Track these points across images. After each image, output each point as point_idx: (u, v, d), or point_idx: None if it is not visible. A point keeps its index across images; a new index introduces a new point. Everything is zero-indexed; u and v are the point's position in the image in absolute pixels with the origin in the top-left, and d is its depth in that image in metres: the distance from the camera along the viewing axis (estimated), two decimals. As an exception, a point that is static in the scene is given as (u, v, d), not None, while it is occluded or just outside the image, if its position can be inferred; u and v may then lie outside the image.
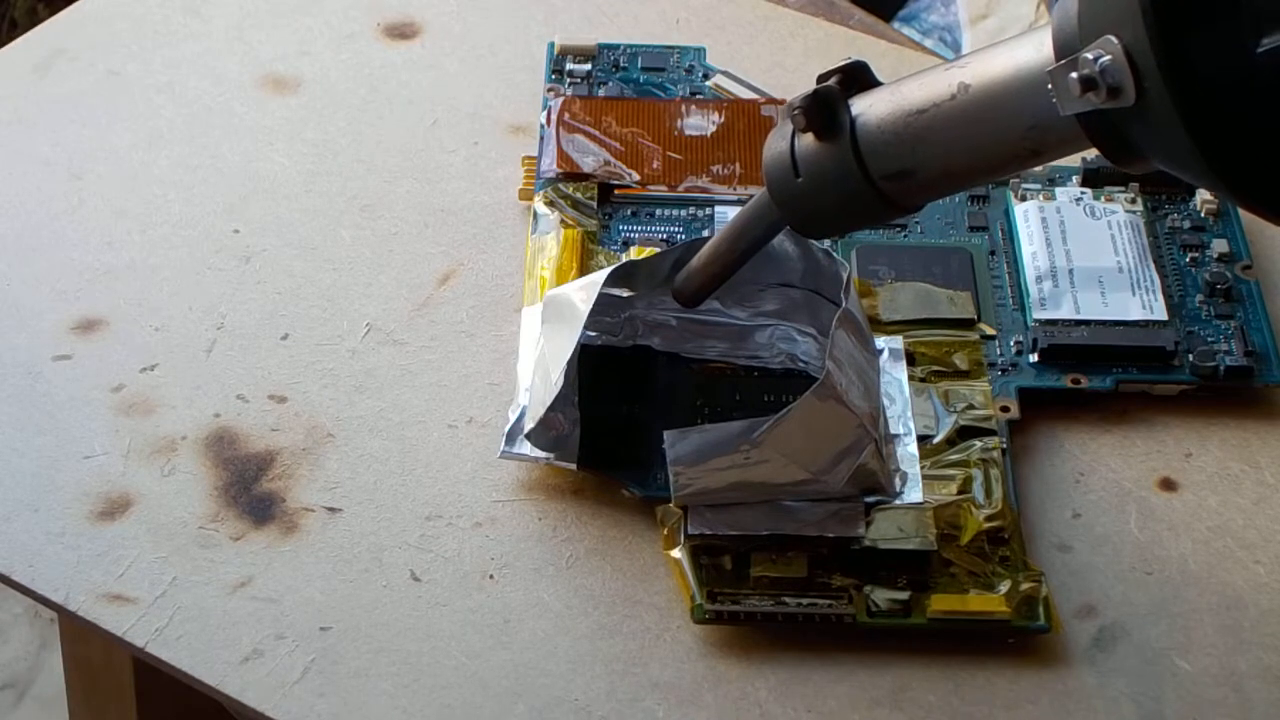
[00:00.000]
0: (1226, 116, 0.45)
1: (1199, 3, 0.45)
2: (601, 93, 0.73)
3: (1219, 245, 0.67)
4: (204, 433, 0.62)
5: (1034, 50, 0.50)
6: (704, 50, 0.76)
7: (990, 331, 0.64)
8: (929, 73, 0.53)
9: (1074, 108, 0.48)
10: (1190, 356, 0.63)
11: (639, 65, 0.75)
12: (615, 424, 0.61)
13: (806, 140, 0.55)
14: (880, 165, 0.54)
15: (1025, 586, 0.56)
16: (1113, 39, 0.46)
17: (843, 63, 0.55)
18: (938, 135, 0.52)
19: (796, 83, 0.76)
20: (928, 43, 1.23)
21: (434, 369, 0.64)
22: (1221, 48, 0.44)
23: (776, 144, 0.56)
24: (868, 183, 0.54)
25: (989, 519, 0.58)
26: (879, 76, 0.55)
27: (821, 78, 0.55)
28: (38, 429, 0.62)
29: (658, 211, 0.68)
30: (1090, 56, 0.46)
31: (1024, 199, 0.68)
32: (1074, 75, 0.47)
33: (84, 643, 0.77)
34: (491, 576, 0.58)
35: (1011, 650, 0.56)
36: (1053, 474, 0.61)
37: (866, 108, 0.54)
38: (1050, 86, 0.48)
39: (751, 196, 0.68)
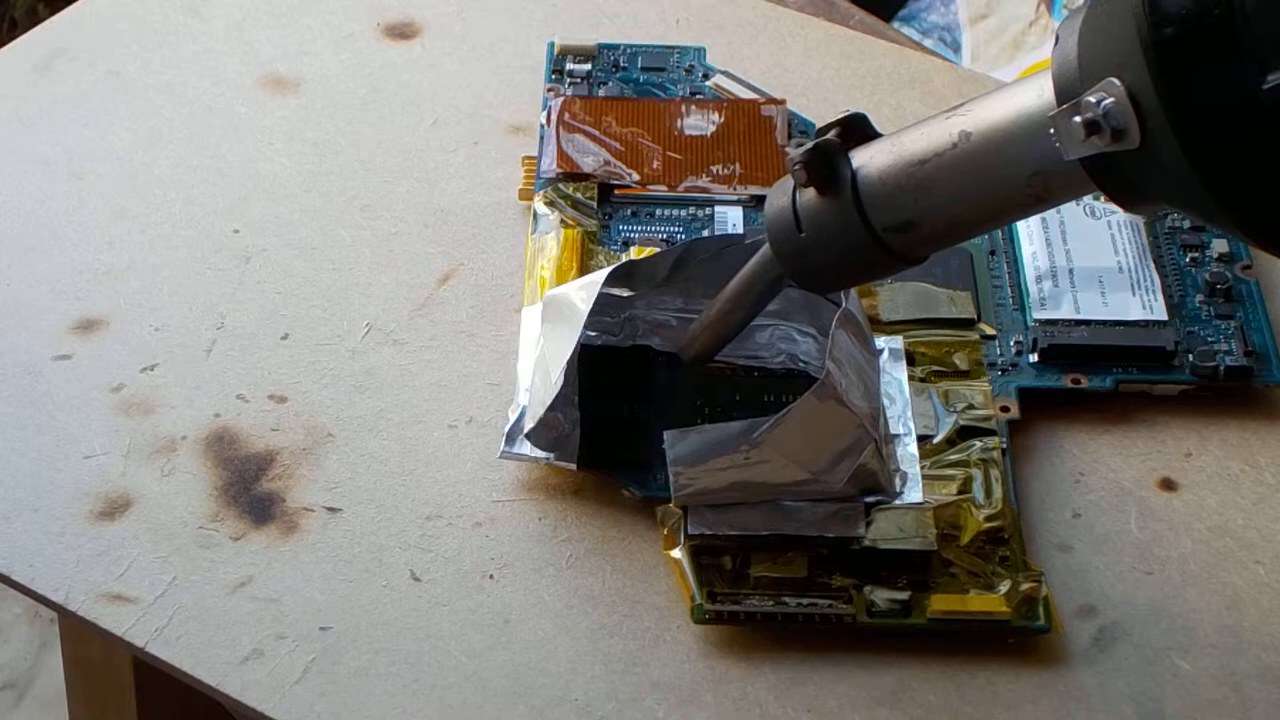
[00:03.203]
0: (1234, 155, 0.44)
1: (1201, 40, 0.44)
2: (601, 93, 0.73)
3: (1219, 245, 0.67)
4: (204, 433, 0.62)
5: (1035, 95, 0.49)
6: (704, 50, 0.76)
7: (990, 331, 0.64)
8: (929, 122, 0.52)
9: (1078, 152, 0.47)
10: (1190, 356, 0.63)
11: (639, 65, 0.75)
12: (615, 424, 0.61)
13: (808, 195, 0.54)
14: (883, 218, 0.53)
15: (1025, 586, 0.56)
16: (1115, 81, 0.46)
17: (842, 115, 0.55)
18: (940, 185, 0.52)
19: (796, 83, 0.76)
20: (927, 43, 1.23)
21: (434, 369, 0.64)
22: (1226, 85, 0.44)
23: (778, 199, 0.55)
24: (871, 236, 0.53)
25: (989, 519, 0.58)
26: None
27: (820, 130, 0.54)
28: (38, 429, 0.62)
29: (658, 211, 0.68)
30: (1093, 99, 0.46)
31: (1024, 199, 0.68)
32: (1077, 119, 0.46)
33: (84, 643, 0.77)
34: (491, 576, 0.58)
35: (1011, 650, 0.56)
36: (1053, 474, 0.61)
37: (867, 160, 0.53)
38: (1053, 131, 0.48)
39: (750, 196, 0.69)
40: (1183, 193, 0.46)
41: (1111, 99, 0.46)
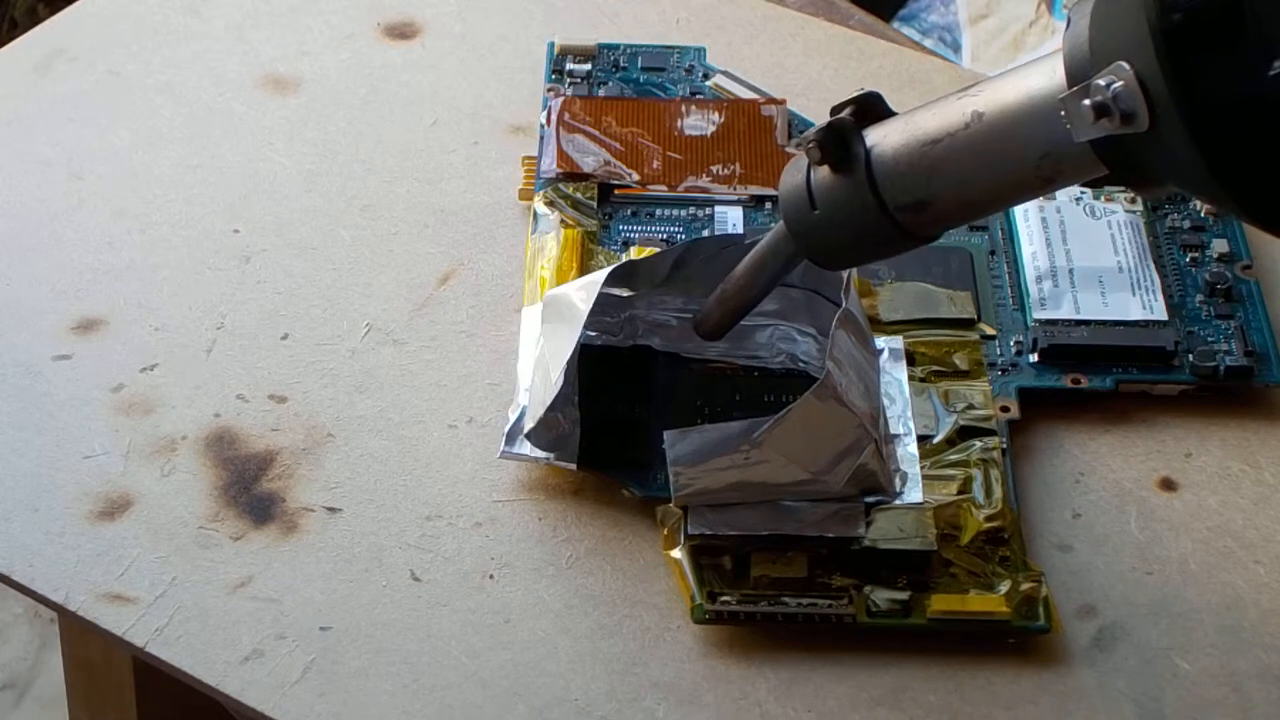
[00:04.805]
0: (1240, 140, 0.45)
1: (1208, 27, 0.44)
2: (601, 93, 0.73)
3: (1219, 245, 0.67)
4: (204, 433, 0.62)
5: (1046, 77, 0.50)
6: (704, 50, 0.76)
7: (990, 331, 0.64)
8: (942, 102, 0.53)
9: (1088, 134, 0.48)
10: (1190, 356, 0.63)
11: (639, 65, 0.75)
12: (615, 424, 0.61)
13: (822, 173, 0.54)
14: (896, 196, 0.53)
15: (1025, 586, 0.56)
16: (1124, 65, 0.46)
17: (856, 93, 0.55)
18: (952, 165, 0.52)
19: (796, 83, 0.76)
20: (927, 42, 1.23)
21: (434, 369, 0.64)
22: (1233, 71, 0.44)
23: (792, 177, 0.56)
24: (884, 214, 0.53)
25: (989, 519, 0.58)
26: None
27: (835, 109, 0.55)
28: (38, 429, 0.62)
29: (658, 211, 0.68)
30: (1102, 83, 0.46)
31: (1024, 199, 0.68)
32: (1087, 102, 0.47)
33: (84, 643, 0.77)
34: (491, 576, 0.58)
35: (1011, 650, 0.56)
36: (1053, 474, 0.61)
37: (881, 138, 0.54)
38: (1063, 113, 0.48)
39: (750, 196, 0.69)
40: (1190, 175, 0.46)
41: (1120, 83, 0.46)
